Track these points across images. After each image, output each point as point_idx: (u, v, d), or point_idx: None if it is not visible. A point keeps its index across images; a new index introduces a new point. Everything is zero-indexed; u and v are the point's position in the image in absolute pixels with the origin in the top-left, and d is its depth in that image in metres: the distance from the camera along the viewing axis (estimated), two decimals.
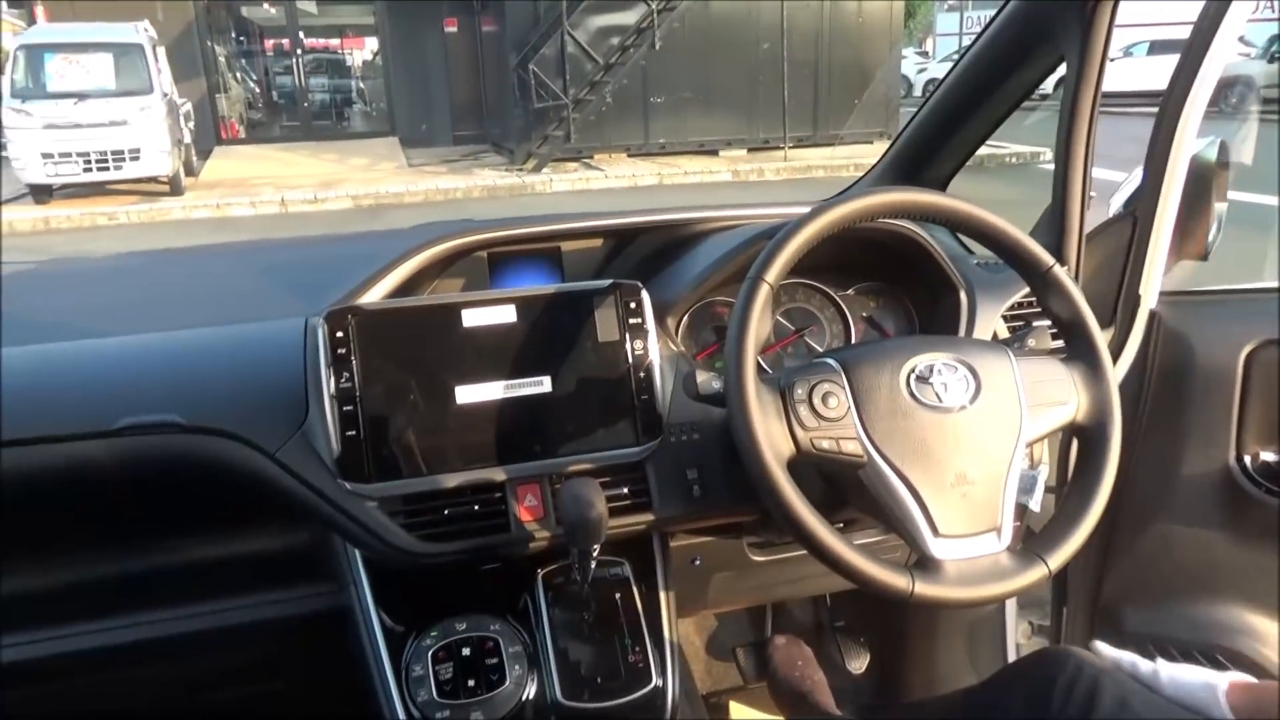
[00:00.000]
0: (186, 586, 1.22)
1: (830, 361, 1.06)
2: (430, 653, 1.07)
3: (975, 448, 1.01)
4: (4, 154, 10.14)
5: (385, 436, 1.08)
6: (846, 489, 1.10)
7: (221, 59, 15.89)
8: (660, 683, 1.11)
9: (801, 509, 0.94)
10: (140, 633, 1.16)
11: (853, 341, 1.42)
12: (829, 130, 13.33)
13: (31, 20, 13.23)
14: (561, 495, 1.00)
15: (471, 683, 1.05)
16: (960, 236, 1.54)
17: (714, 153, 12.76)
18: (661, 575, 1.20)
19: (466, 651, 1.08)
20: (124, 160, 10.04)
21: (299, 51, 16.78)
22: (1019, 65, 1.38)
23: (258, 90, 18.43)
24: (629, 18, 11.94)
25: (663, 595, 1.19)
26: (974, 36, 1.47)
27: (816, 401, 1.01)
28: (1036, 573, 0.97)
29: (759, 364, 1.25)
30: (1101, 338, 1.08)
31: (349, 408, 1.07)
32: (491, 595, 1.18)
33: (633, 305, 1.18)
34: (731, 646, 1.88)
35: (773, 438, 0.97)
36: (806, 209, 1.05)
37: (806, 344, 1.42)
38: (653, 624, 1.15)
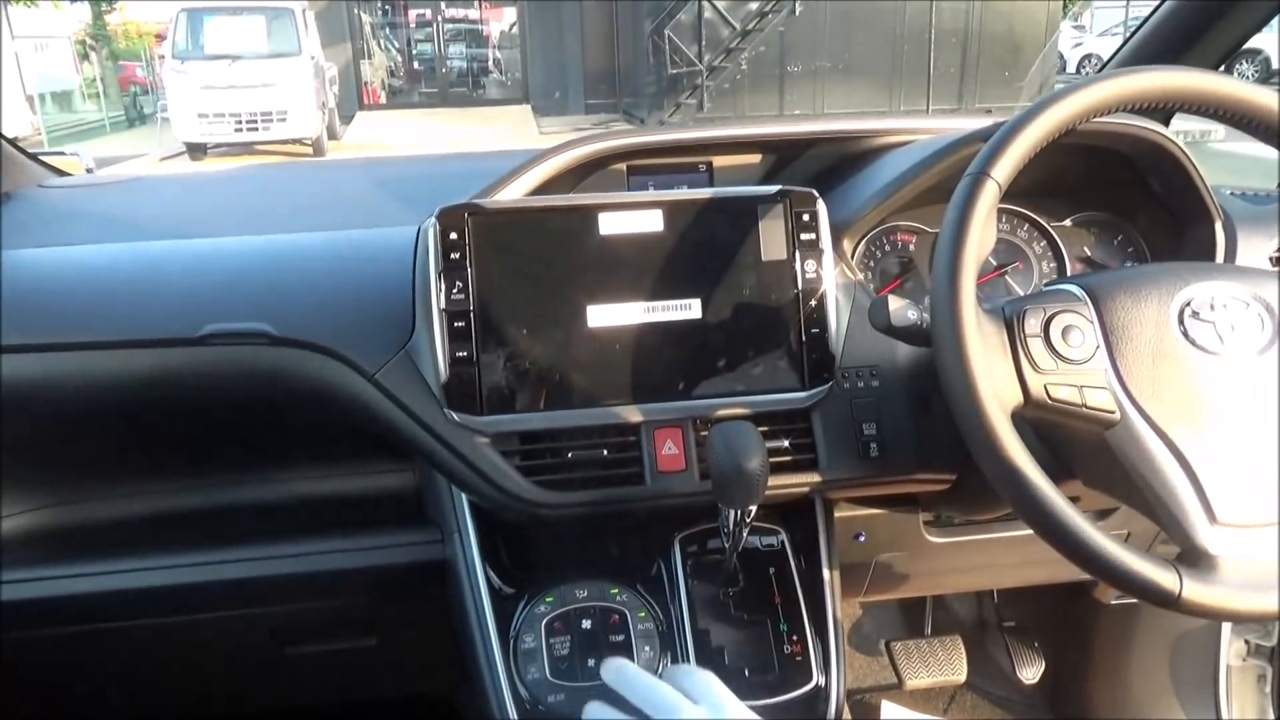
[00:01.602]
0: (274, 524, 1.09)
1: (1072, 288, 0.82)
2: (544, 622, 0.89)
3: (1272, 410, 0.75)
4: (164, 114, 10.71)
5: (502, 361, 0.91)
6: (1079, 455, 0.86)
7: (367, 26, 16.36)
8: (822, 681, 0.90)
9: (1034, 474, 0.72)
10: (222, 572, 1.03)
11: None
12: (975, 103, 12.57)
13: None
14: (712, 442, 0.80)
15: (592, 662, 0.87)
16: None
17: None
18: (825, 550, 0.99)
19: (587, 624, 0.90)
20: (271, 121, 10.44)
21: (439, 20, 17.10)
22: None
23: (400, 58, 18.92)
24: None
25: (826, 574, 0.97)
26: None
27: (1055, 337, 0.78)
28: None
29: None
30: None
31: (460, 324, 0.90)
32: (618, 559, 0.99)
33: (805, 218, 0.97)
34: (882, 640, 1.64)
35: (996, 380, 0.75)
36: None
37: (1007, 285, 1.17)
38: (814, 608, 0.94)
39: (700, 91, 11.46)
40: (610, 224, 0.93)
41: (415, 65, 18.75)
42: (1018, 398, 0.76)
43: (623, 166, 1.18)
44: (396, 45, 19.08)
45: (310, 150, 10.84)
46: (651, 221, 0.94)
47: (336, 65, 13.03)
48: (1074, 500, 0.96)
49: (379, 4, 18.41)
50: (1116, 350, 0.77)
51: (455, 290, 0.90)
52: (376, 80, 16.32)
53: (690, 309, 0.94)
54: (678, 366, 0.94)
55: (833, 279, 0.97)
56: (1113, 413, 0.76)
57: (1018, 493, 0.73)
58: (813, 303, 0.96)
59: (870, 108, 12.25)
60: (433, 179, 1.37)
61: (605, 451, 0.92)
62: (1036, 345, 0.77)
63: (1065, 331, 0.78)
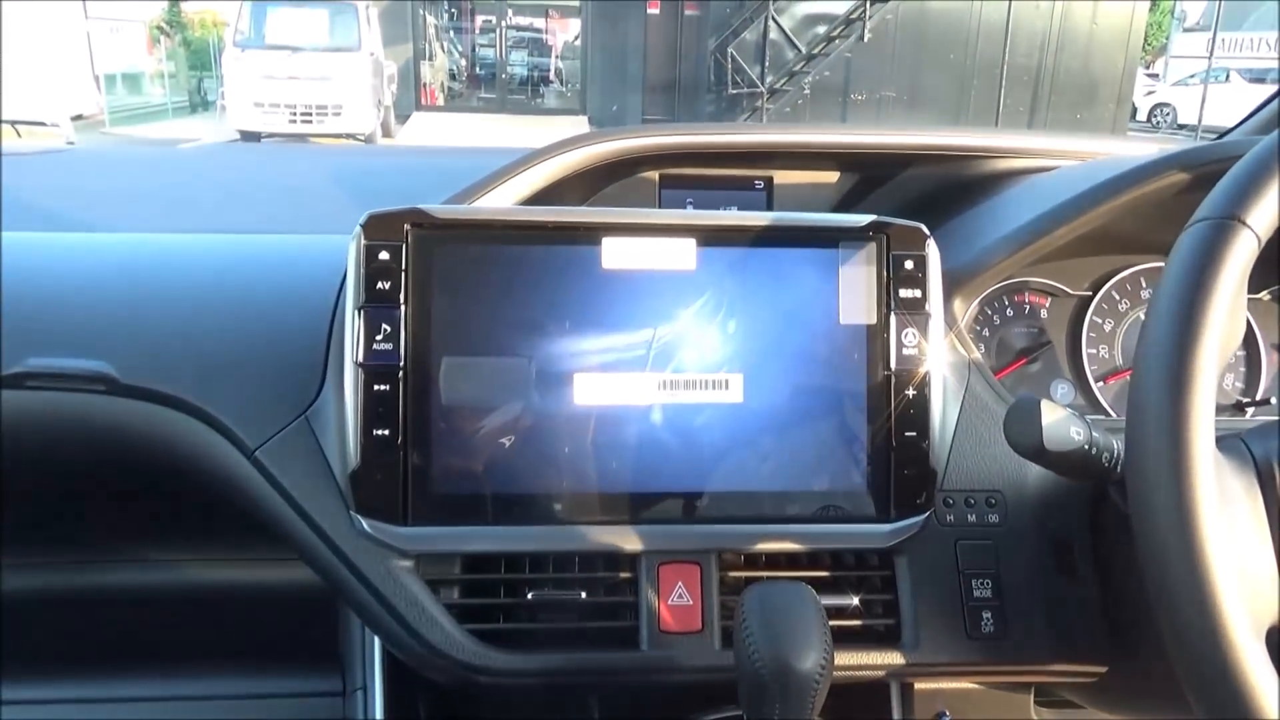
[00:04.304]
0: (145, 630, 0.80)
1: None
2: None
3: None
4: (224, 102, 10.77)
5: (439, 447, 0.61)
6: None
7: (431, 28, 16.41)
8: None
9: None
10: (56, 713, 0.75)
11: (1264, 381, 0.83)
12: None
13: None
14: (744, 617, 0.50)
15: None
16: None
17: None
18: None
19: None
20: (326, 115, 10.41)
21: (504, 26, 17.14)
22: None
23: (462, 61, 18.97)
24: (838, 7, 11.42)
25: None
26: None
27: None
28: None
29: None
30: None
31: (384, 388, 0.61)
32: None
33: (908, 265, 0.66)
34: None
35: (1248, 578, 0.43)
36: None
37: None
38: None
39: (760, 114, 11.21)
40: (618, 254, 0.63)
41: (476, 70, 18.79)
42: (1276, 610, 0.45)
43: (654, 175, 0.89)
44: (460, 49, 19.15)
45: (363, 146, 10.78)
46: (680, 255, 0.64)
47: (397, 64, 13.02)
48: None
49: (444, 6, 18.51)
50: None
51: (380, 337, 0.61)
52: (436, 82, 16.35)
53: (726, 389, 0.64)
54: (701, 473, 0.63)
55: (941, 357, 0.66)
56: None
57: None
58: (910, 391, 0.65)
59: None
60: (431, 174, 1.10)
61: (584, 593, 0.62)
62: None
63: None
